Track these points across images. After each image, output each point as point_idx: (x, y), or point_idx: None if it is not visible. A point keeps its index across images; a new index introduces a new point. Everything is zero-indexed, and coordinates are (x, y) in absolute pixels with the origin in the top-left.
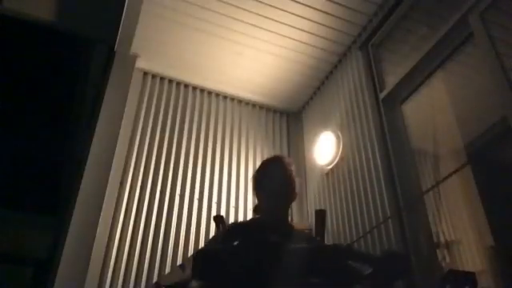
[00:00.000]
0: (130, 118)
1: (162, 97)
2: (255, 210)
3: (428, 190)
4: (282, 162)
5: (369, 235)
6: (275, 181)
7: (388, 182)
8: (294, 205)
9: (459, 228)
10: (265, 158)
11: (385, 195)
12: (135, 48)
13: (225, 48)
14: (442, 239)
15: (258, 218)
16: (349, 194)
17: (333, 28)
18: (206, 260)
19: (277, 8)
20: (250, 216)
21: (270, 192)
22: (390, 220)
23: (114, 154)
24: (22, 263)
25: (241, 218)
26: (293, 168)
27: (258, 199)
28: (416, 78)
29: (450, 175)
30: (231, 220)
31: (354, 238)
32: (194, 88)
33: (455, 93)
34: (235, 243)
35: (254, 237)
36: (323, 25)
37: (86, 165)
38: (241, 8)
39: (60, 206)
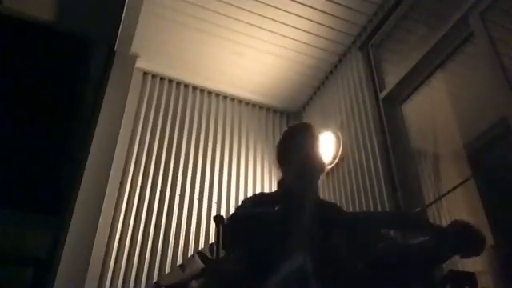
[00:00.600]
0: (130, 118)
1: (162, 97)
2: (280, 184)
3: (430, 204)
4: (311, 131)
5: None
6: (304, 151)
7: (388, 181)
8: None
9: None
10: (265, 157)
11: (385, 195)
12: (135, 48)
13: (225, 48)
14: None
15: (286, 191)
16: (349, 194)
17: (333, 28)
18: (247, 223)
19: (277, 8)
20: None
21: (298, 163)
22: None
23: (114, 154)
24: (22, 263)
25: None
26: (319, 137)
27: (283, 172)
28: (416, 78)
29: (454, 189)
30: None
31: None
32: (194, 88)
33: (455, 93)
34: (276, 208)
35: (290, 204)
36: (323, 25)
37: (86, 165)
38: (241, 8)
39: (60, 206)
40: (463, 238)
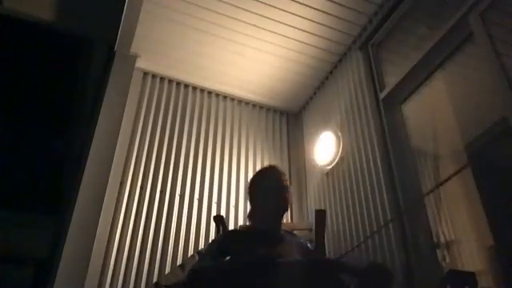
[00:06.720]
0: (130, 118)
1: (162, 97)
2: (249, 216)
3: (428, 193)
4: (277, 172)
5: (369, 238)
6: (269, 191)
7: (388, 181)
8: (294, 205)
9: (459, 228)
10: (265, 157)
11: (385, 195)
12: (135, 48)
13: (225, 48)
14: (442, 239)
15: (250, 227)
16: (349, 194)
17: (333, 28)
18: (195, 279)
19: (277, 8)
20: None
21: (263, 201)
22: (390, 223)
23: (114, 153)
24: (22, 263)
25: (241, 218)
26: (286, 178)
27: (251, 207)
28: (416, 78)
29: (450, 177)
30: (231, 220)
31: (354, 237)
32: (194, 88)
33: (455, 93)
34: (227, 258)
35: (244, 252)
36: (323, 25)
37: (86, 165)
38: (241, 8)
39: (60, 206)
40: (378, 275)
